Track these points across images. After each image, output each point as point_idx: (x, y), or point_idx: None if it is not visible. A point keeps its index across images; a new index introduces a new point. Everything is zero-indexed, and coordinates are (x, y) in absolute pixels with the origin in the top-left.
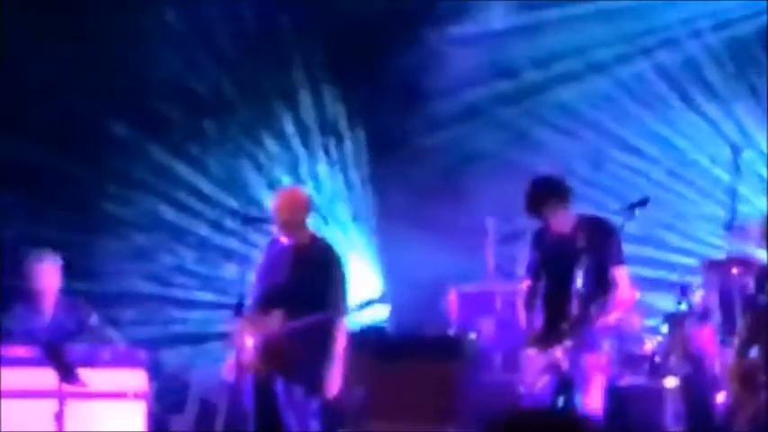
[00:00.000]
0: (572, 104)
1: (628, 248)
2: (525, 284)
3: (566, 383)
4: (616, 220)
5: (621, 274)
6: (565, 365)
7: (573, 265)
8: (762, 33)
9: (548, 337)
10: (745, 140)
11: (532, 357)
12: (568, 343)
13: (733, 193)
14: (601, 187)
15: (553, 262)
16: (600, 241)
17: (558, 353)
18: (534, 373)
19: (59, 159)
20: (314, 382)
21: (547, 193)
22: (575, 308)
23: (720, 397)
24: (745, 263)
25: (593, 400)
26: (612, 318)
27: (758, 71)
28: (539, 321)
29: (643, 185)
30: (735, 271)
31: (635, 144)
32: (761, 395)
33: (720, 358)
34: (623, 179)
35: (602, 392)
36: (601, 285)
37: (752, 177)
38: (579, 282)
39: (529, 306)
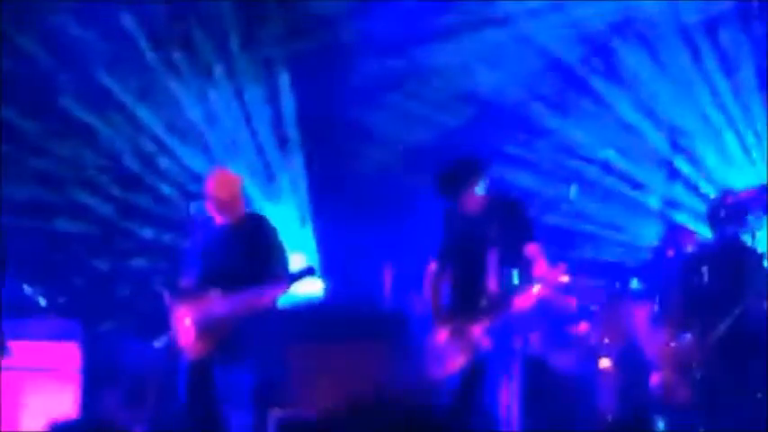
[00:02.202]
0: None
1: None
2: (433, 266)
3: (481, 365)
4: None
5: (534, 250)
6: (484, 344)
7: (485, 245)
8: None
9: (462, 317)
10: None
11: (445, 338)
12: (487, 322)
13: (671, 173)
14: (534, 168)
15: (465, 242)
16: (510, 220)
17: (477, 332)
18: (448, 354)
19: None
20: (252, 361)
21: (464, 175)
22: (491, 285)
23: (654, 378)
24: (680, 241)
25: (511, 383)
26: (531, 296)
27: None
28: (447, 303)
29: (579, 166)
30: (670, 253)
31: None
32: (694, 377)
33: (655, 340)
34: (557, 160)
35: (521, 375)
36: (515, 264)
37: (690, 158)
38: (494, 260)
39: (436, 287)
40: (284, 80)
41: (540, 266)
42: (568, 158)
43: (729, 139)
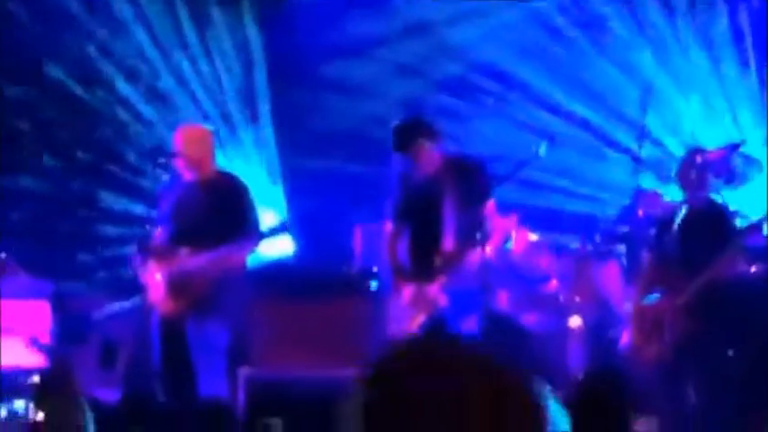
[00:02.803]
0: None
1: (535, 187)
2: (389, 226)
3: (439, 323)
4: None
5: (490, 208)
6: (441, 302)
7: (440, 204)
8: None
9: (419, 275)
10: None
11: (403, 297)
12: (443, 279)
13: (641, 134)
14: (508, 130)
15: (421, 202)
16: (466, 179)
17: (434, 290)
18: (406, 312)
19: None
20: (224, 319)
21: (415, 131)
22: (447, 244)
23: (625, 337)
24: (650, 201)
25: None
26: (489, 246)
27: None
28: (404, 263)
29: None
30: (640, 212)
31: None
32: (664, 337)
33: (625, 298)
34: (531, 122)
35: (479, 331)
36: (471, 224)
37: (662, 116)
38: (450, 219)
39: (393, 247)
40: (253, 33)
41: (494, 221)
42: (541, 113)
43: (701, 98)
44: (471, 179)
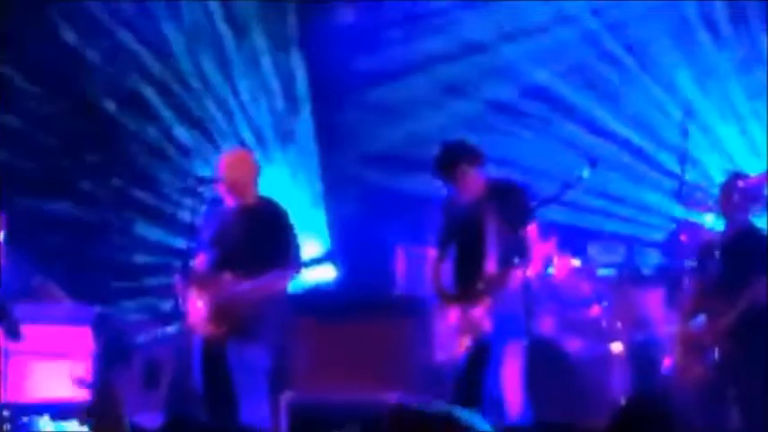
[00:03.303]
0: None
1: (577, 216)
2: (433, 252)
3: (484, 347)
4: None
5: (532, 231)
6: (486, 326)
7: (483, 228)
8: None
9: (463, 299)
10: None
11: (448, 321)
12: (487, 302)
13: (682, 159)
14: (546, 155)
15: (464, 226)
16: (509, 202)
17: (478, 313)
18: (452, 336)
19: None
20: (265, 343)
21: (457, 156)
22: (490, 267)
23: (668, 362)
24: (693, 230)
25: (514, 363)
26: (529, 269)
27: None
28: (448, 287)
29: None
30: (683, 238)
31: (584, 109)
32: (706, 361)
33: (667, 324)
34: (572, 146)
35: (524, 356)
36: (513, 247)
37: (702, 141)
38: (493, 243)
39: (437, 273)
40: (297, 57)
41: (535, 245)
42: (586, 135)
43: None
44: (514, 202)
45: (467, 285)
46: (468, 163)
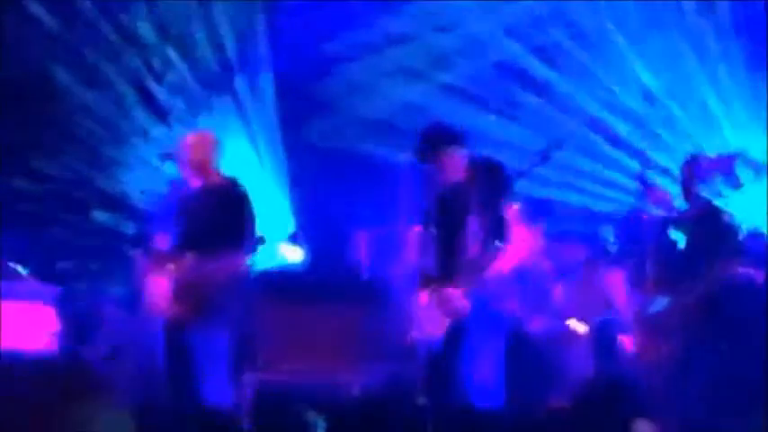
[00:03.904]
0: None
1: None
2: (416, 230)
3: (460, 329)
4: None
5: (513, 213)
6: (465, 309)
7: (466, 209)
8: None
9: (443, 281)
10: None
11: (428, 301)
12: (469, 285)
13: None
14: (517, 131)
15: (447, 206)
16: (491, 183)
17: (457, 295)
18: (430, 320)
19: None
20: (229, 323)
21: (442, 138)
22: (471, 250)
23: (628, 342)
24: (659, 201)
25: (490, 345)
26: (513, 258)
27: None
28: (431, 266)
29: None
30: (645, 217)
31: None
32: (668, 341)
33: (631, 305)
34: (541, 124)
35: (500, 338)
36: (496, 227)
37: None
38: (475, 225)
39: (420, 251)
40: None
41: (519, 230)
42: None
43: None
44: (495, 181)
45: (448, 267)
46: (451, 144)
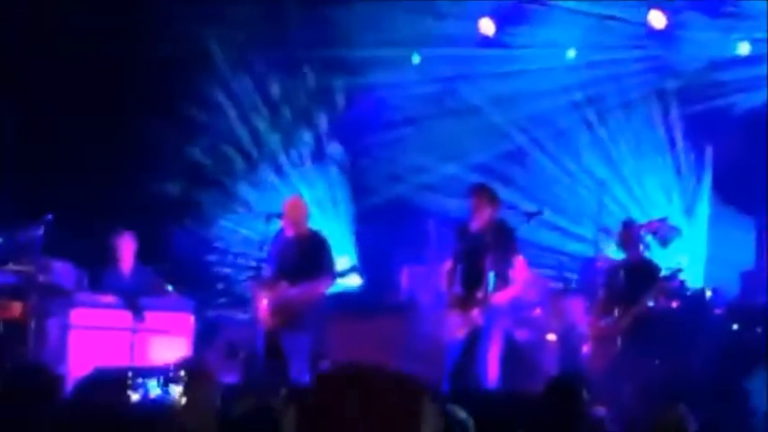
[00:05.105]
0: None
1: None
2: (448, 265)
3: (477, 335)
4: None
5: (519, 261)
6: (480, 322)
7: (485, 253)
8: None
9: (466, 303)
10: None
11: (454, 317)
12: (483, 306)
13: (600, 205)
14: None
15: (471, 249)
16: (503, 237)
17: (475, 313)
18: (455, 328)
19: None
20: (309, 331)
21: (482, 194)
22: (487, 282)
23: (585, 349)
24: (603, 259)
25: (495, 348)
26: (512, 291)
27: None
28: (457, 291)
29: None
30: (599, 264)
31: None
32: (613, 349)
33: (586, 322)
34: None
35: (501, 343)
36: (504, 268)
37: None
38: (489, 264)
39: (450, 281)
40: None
41: (520, 272)
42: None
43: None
44: (507, 238)
45: (470, 293)
46: (485, 201)
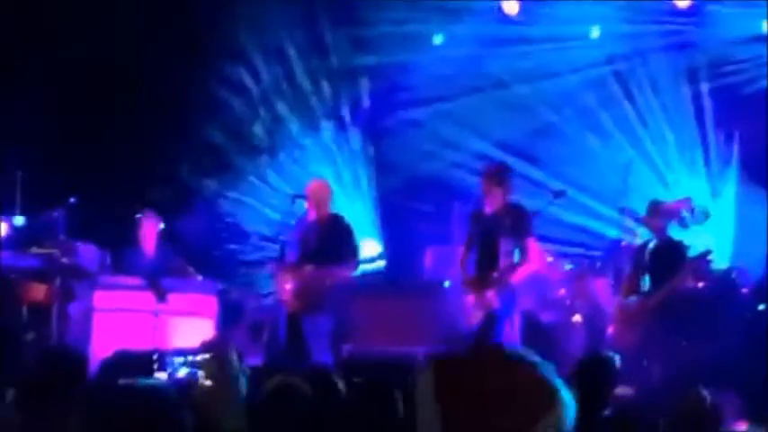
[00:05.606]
0: None
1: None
2: (464, 247)
3: (493, 318)
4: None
5: (532, 243)
6: (495, 305)
7: (499, 236)
8: None
9: (481, 284)
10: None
11: (470, 300)
12: (498, 287)
13: (625, 184)
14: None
15: (486, 232)
16: (518, 220)
17: (491, 294)
18: (471, 312)
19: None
20: (330, 313)
21: (494, 174)
22: (501, 264)
23: (610, 330)
24: (629, 239)
25: (512, 331)
26: (527, 269)
27: None
28: (472, 273)
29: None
30: (624, 243)
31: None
32: (639, 330)
33: (611, 302)
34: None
35: (520, 325)
36: (518, 251)
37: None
38: (504, 247)
39: (464, 264)
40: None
41: (534, 254)
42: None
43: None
44: (521, 220)
45: (484, 275)
46: (494, 184)
